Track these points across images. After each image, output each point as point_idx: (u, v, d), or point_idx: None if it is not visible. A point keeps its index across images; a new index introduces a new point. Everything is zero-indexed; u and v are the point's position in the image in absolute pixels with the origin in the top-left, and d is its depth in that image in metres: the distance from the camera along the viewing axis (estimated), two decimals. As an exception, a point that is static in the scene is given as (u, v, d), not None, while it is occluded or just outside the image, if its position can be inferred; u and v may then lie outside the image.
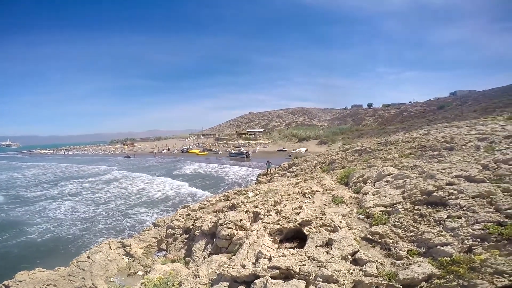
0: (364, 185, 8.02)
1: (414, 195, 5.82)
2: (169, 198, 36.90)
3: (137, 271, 10.19)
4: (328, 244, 4.61)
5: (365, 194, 7.08)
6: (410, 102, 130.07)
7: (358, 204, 6.70)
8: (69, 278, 9.78)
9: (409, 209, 5.44)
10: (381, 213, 5.59)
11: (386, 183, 7.23)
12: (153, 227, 14.90)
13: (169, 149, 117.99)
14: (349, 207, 6.68)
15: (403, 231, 4.76)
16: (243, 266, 5.01)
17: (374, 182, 7.89)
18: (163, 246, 12.29)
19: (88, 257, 10.72)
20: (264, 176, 26.64)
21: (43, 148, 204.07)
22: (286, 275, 4.22)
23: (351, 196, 7.49)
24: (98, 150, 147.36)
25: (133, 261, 11.07)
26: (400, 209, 5.54)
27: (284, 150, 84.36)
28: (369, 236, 4.95)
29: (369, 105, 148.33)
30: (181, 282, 5.97)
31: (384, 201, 6.04)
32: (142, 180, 51.53)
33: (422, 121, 77.14)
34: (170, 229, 12.61)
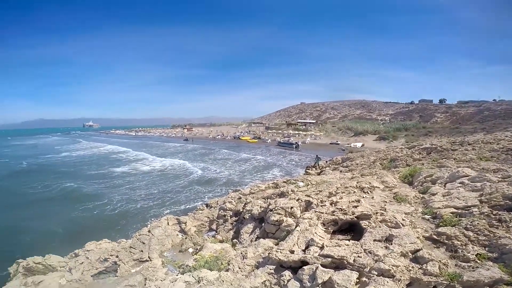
0: (433, 185, 7.36)
1: (495, 199, 5.15)
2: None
3: (188, 248, 10.64)
4: (388, 239, 4.42)
5: (433, 194, 6.52)
6: (494, 100, 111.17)
7: (423, 204, 6.22)
8: (130, 250, 10.45)
9: (486, 213, 4.87)
10: (451, 214, 5.13)
11: (460, 184, 6.51)
12: (206, 208, 15.85)
13: (223, 134, 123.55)
14: (413, 206, 6.23)
15: (475, 235, 4.32)
16: (292, 252, 5.04)
17: (445, 183, 7.16)
18: (214, 226, 12.84)
19: (149, 231, 11.42)
20: (314, 169, 26.03)
21: (117, 129, 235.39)
22: (338, 265, 4.18)
23: (416, 196, 6.94)
24: (162, 133, 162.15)
25: (185, 238, 11.69)
26: (475, 212, 4.99)
27: (338, 144, 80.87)
28: (434, 236, 4.61)
29: (441, 101, 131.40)
30: (229, 261, 6.26)
31: (456, 203, 5.48)
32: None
33: (508, 122, 65.58)
34: (222, 211, 13.20)
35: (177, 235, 12.04)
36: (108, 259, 9.99)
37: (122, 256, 10.08)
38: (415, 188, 7.89)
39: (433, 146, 14.30)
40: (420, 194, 7.01)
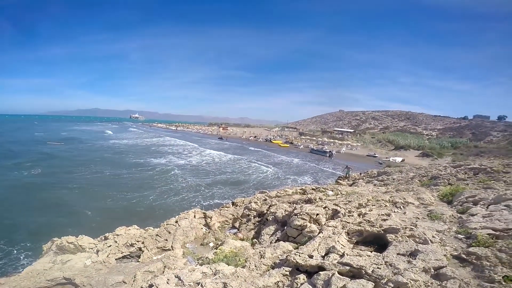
0: (474, 206, 6.82)
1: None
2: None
3: (209, 242, 11.04)
4: (412, 254, 4.23)
5: (472, 215, 6.09)
6: None
7: (459, 224, 5.82)
8: (156, 237, 10.97)
9: (526, 237, 4.45)
10: (487, 236, 4.80)
11: (506, 207, 6.02)
12: (231, 206, 16.11)
13: (255, 136, 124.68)
14: (447, 224, 5.89)
15: (508, 257, 4.01)
16: (311, 256, 5.03)
17: (488, 205, 6.64)
18: (237, 224, 13.06)
19: (176, 222, 11.93)
20: (346, 180, 25.15)
21: (159, 123, 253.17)
22: (355, 274, 4.08)
23: (452, 215, 6.49)
24: (199, 130, 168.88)
25: (209, 233, 12.05)
26: (514, 235, 4.55)
27: (375, 156, 76.95)
28: (463, 256, 4.35)
29: (501, 118, 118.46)
30: (247, 259, 6.37)
31: (495, 225, 5.10)
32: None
33: None
34: (246, 210, 13.36)
35: (201, 228, 12.39)
36: (134, 245, 10.56)
37: (148, 243, 10.61)
38: (454, 207, 7.37)
39: (482, 167, 13.01)
40: (458, 214, 6.57)
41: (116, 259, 9.91)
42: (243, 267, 5.74)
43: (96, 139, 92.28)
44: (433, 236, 4.92)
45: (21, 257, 15.87)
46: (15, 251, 16.53)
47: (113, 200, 27.46)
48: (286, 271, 4.99)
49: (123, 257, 10.19)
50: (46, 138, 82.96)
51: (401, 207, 7.74)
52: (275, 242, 8.20)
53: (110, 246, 10.34)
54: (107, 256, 9.83)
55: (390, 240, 4.89)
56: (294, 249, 6.25)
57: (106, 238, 11.26)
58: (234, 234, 11.93)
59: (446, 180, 12.14)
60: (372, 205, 8.08)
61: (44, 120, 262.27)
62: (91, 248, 10.52)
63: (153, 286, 5.04)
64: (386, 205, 8.01)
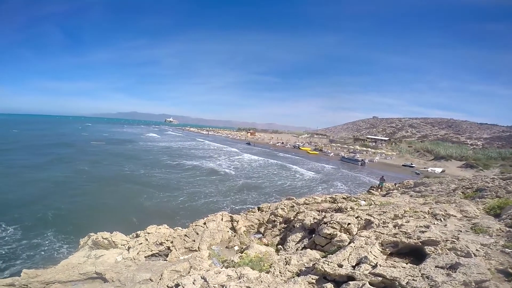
0: None
1: None
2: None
3: (234, 246, 11.13)
4: (453, 267, 3.90)
5: None
6: None
7: (508, 238, 5.27)
8: (184, 238, 11.23)
9: None
10: None
11: None
12: (257, 211, 16.07)
13: (283, 143, 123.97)
14: (493, 238, 5.36)
15: None
16: (340, 266, 4.82)
17: None
18: (262, 229, 13.04)
19: (204, 223, 12.17)
20: (379, 190, 23.96)
21: (191, 127, 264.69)
22: (387, 285, 3.82)
23: (500, 229, 5.92)
24: (228, 135, 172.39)
25: (234, 236, 12.14)
26: None
27: (412, 166, 72.35)
28: (510, 270, 3.95)
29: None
30: (272, 264, 6.26)
31: None
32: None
33: None
34: (272, 215, 13.27)
35: (228, 231, 12.51)
36: (163, 244, 10.92)
37: (176, 242, 10.90)
38: (502, 221, 6.66)
39: (537, 179, 11.65)
40: (507, 228, 5.93)
41: (145, 257, 10.28)
42: (268, 272, 5.65)
43: (138, 140, 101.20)
44: (477, 250, 4.53)
45: (64, 250, 17.11)
46: (58, 243, 17.91)
47: (147, 199, 28.89)
48: (312, 279, 4.82)
49: (152, 255, 10.54)
50: (91, 138, 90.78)
51: (442, 219, 7.22)
52: (301, 250, 8.04)
53: (141, 243, 10.77)
54: (137, 253, 10.23)
55: (428, 252, 4.57)
56: (322, 257, 6.04)
57: (137, 236, 11.76)
58: (258, 239, 11.90)
59: (493, 193, 11.04)
60: (410, 217, 7.73)
61: (94, 122, 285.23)
62: (123, 245, 11.02)
63: (179, 285, 5.11)
64: (424, 217, 7.59)
